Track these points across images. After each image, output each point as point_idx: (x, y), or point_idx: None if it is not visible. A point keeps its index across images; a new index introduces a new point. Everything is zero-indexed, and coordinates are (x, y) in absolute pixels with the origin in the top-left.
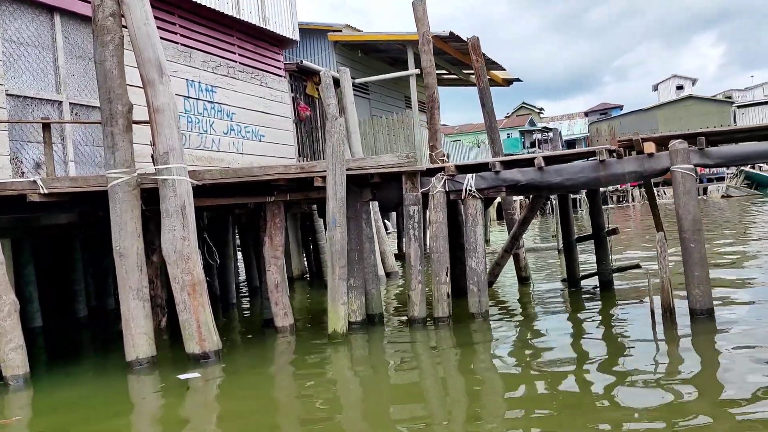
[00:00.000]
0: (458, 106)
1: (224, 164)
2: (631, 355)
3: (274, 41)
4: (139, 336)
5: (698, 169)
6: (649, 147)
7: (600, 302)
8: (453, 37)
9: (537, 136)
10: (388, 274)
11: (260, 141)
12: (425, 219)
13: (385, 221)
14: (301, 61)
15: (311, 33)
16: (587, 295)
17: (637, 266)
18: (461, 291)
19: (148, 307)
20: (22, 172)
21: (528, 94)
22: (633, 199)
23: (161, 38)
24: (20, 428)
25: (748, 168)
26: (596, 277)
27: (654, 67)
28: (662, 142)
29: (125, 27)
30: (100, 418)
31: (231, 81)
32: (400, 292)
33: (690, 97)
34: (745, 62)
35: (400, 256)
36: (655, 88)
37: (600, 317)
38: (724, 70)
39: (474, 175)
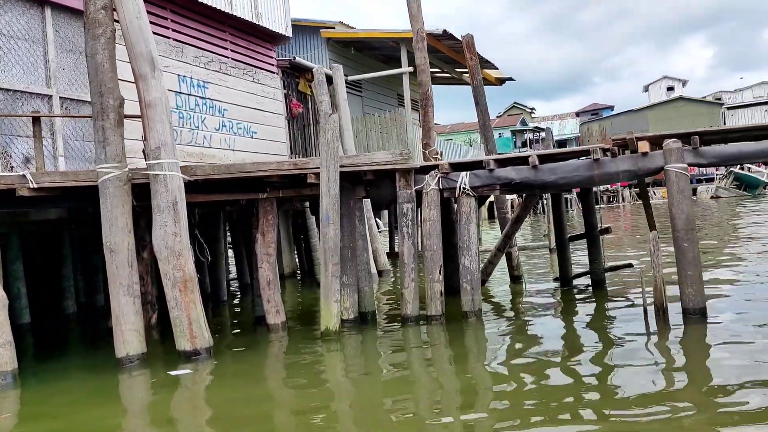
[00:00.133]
0: (450, 106)
1: (216, 161)
2: (621, 354)
3: (267, 37)
4: (129, 332)
5: (689, 169)
6: (644, 146)
7: (593, 301)
8: (446, 36)
9: (528, 135)
10: (380, 273)
11: (252, 137)
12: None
13: (377, 219)
14: (294, 58)
15: (304, 29)
16: (580, 294)
17: (630, 265)
18: (454, 289)
19: (139, 304)
20: (12, 167)
21: (519, 93)
22: (623, 200)
23: (153, 33)
24: (8, 426)
25: (737, 169)
26: (588, 276)
27: (645, 68)
28: (656, 141)
29: (117, 21)
30: (90, 414)
31: (223, 77)
32: (393, 290)
33: (680, 99)
34: (734, 64)
35: (392, 254)
36: (646, 89)
37: (592, 316)
38: (714, 72)
39: (468, 173)
